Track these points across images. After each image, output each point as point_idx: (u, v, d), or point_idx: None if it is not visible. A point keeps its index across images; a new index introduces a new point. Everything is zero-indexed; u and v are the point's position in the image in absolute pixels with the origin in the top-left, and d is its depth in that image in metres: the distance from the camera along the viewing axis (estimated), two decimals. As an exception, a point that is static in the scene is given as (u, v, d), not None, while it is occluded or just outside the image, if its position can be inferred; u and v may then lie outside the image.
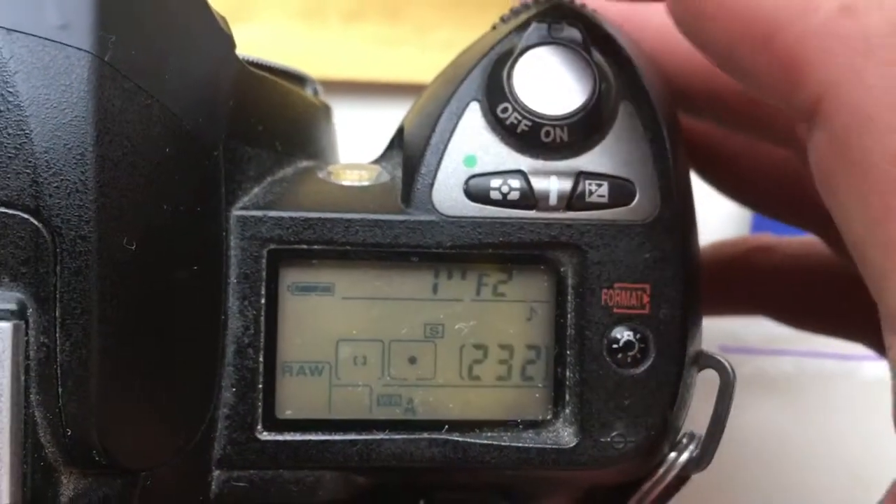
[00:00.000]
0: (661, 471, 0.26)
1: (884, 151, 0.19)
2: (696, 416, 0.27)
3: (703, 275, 0.27)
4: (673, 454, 0.26)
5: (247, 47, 0.26)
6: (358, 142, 0.32)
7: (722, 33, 0.22)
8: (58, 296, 0.21)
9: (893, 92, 0.19)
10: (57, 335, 0.21)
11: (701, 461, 0.26)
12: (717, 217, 0.43)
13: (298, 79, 0.30)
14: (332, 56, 0.43)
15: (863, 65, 0.20)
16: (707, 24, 0.22)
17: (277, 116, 0.27)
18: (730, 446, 0.42)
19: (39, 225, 0.20)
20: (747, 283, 0.36)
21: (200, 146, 0.23)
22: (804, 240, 0.36)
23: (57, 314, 0.21)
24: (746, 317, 0.41)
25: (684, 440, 0.27)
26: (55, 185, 0.20)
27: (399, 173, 0.26)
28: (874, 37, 0.20)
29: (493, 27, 0.27)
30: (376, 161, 0.27)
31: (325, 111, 0.31)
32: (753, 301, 0.37)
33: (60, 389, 0.21)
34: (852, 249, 0.21)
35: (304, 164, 0.27)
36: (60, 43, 0.20)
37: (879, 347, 0.24)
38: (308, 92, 0.31)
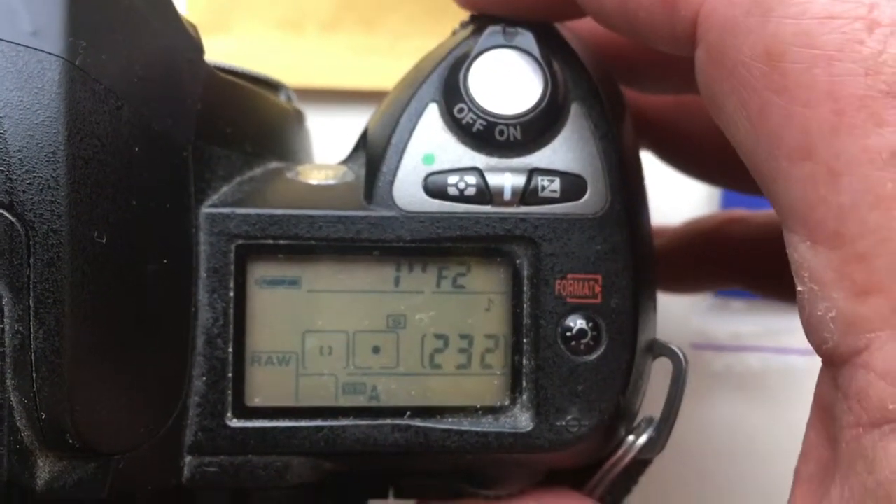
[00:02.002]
0: (619, 452, 0.27)
1: (751, 50, 0.20)
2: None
3: (657, 265, 0.28)
4: (630, 437, 0.27)
5: (226, 57, 0.28)
6: (333, 147, 0.33)
7: None
8: (31, 286, 0.22)
9: None
10: (31, 323, 0.22)
11: (657, 444, 0.27)
12: (687, 204, 0.44)
13: (271, 85, 0.31)
14: (309, 65, 0.44)
15: None
16: None
17: (247, 119, 0.28)
18: (699, 440, 0.44)
19: (13, 219, 0.21)
20: (722, 255, 0.37)
21: (169, 146, 0.24)
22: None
23: (31, 303, 0.22)
24: (722, 290, 0.42)
25: (642, 424, 0.28)
26: (28, 181, 0.21)
27: (363, 172, 0.27)
28: None
29: (454, 32, 0.28)
30: (343, 162, 0.29)
31: (298, 116, 0.33)
32: (729, 273, 0.38)
33: (35, 375, 0.22)
34: (744, 159, 0.22)
35: (274, 165, 0.28)
36: (33, 48, 0.22)
37: None
38: (281, 98, 0.32)
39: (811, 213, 0.20)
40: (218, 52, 0.27)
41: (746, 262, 0.37)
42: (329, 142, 0.36)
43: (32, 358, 0.22)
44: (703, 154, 0.35)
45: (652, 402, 0.28)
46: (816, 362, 0.22)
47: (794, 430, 0.43)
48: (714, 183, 0.38)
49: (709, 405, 0.44)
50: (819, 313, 0.20)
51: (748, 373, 0.44)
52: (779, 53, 0.20)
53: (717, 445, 0.44)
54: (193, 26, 0.26)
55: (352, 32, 0.44)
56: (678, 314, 0.44)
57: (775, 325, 0.44)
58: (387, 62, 0.44)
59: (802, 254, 0.21)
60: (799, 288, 0.21)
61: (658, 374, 0.28)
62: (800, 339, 0.41)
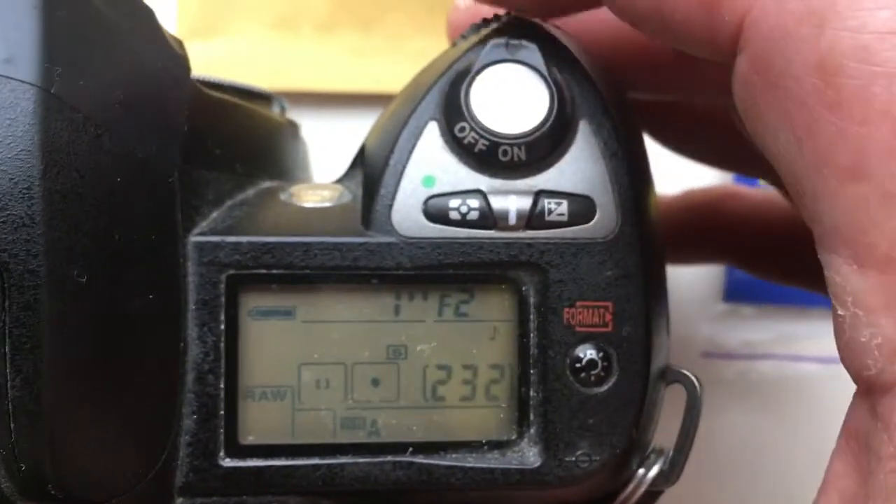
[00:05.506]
0: (629, 487, 0.26)
1: (803, 62, 0.19)
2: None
3: (665, 265, 0.27)
4: (641, 470, 0.26)
5: (221, 59, 0.26)
6: (331, 153, 0.32)
7: None
8: (7, 331, 0.20)
9: (806, 2, 0.20)
10: (7, 371, 0.20)
11: (670, 476, 0.26)
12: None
13: (263, 97, 0.30)
14: (305, 67, 0.43)
15: None
16: None
17: (236, 138, 0.27)
18: (712, 449, 0.43)
19: None
20: (714, 230, 0.37)
21: (154, 173, 0.23)
22: (770, 190, 0.36)
23: (7, 350, 0.20)
24: (713, 265, 0.41)
25: (652, 455, 0.26)
26: (1, 220, 0.20)
27: (360, 192, 0.26)
28: None
29: (454, 43, 0.27)
30: (339, 180, 0.27)
31: (292, 129, 0.31)
32: (721, 248, 0.38)
33: (13, 425, 0.21)
34: (783, 174, 0.21)
35: (267, 184, 0.27)
36: (5, 77, 0.20)
37: None
38: (274, 110, 0.31)
39: (861, 237, 0.19)
40: (210, 54, 0.25)
41: (739, 238, 0.37)
42: (325, 148, 0.35)
43: (10, 407, 0.21)
44: (705, 138, 0.34)
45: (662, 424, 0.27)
46: (829, 369, 0.21)
47: (808, 438, 0.42)
48: (716, 166, 0.37)
49: (723, 413, 0.43)
50: (863, 339, 0.19)
51: (761, 380, 0.43)
52: (834, 68, 0.19)
53: (730, 454, 0.43)
54: (179, 42, 0.25)
55: (349, 33, 0.43)
56: (688, 323, 0.43)
57: (787, 331, 0.44)
58: (386, 64, 0.43)
59: (846, 277, 0.20)
60: (839, 311, 0.20)
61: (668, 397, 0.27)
62: (811, 346, 0.41)
